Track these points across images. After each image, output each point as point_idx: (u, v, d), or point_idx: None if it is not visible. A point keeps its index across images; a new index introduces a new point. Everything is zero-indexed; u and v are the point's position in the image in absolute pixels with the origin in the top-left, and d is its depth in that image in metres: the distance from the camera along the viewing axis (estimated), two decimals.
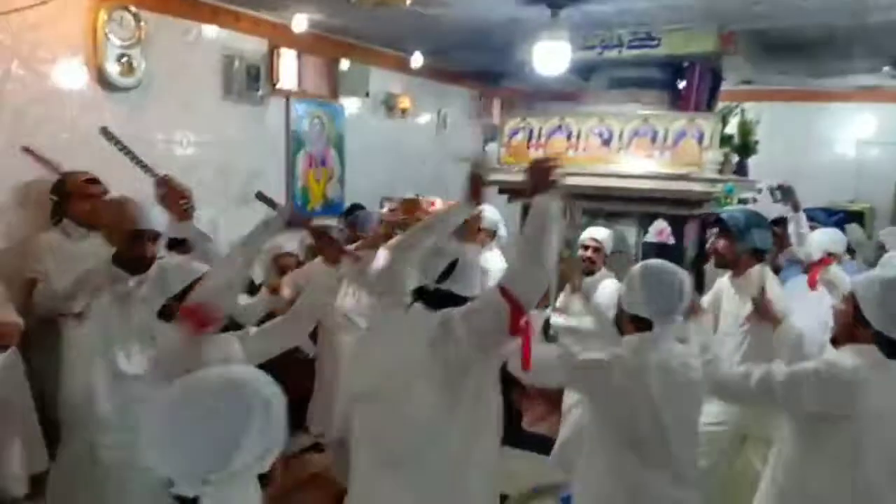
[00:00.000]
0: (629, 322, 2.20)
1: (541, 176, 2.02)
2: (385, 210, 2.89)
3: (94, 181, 3.33)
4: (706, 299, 3.24)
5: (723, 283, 3.25)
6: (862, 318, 2.02)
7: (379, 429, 2.09)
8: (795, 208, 3.69)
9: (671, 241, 4.15)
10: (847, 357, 2.04)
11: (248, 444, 1.09)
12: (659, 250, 3.96)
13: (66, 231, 3.26)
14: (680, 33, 4.31)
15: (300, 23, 4.37)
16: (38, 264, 3.15)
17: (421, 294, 2.12)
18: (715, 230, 3.19)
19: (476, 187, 2.35)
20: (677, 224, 4.19)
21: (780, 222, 3.93)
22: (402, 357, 2.05)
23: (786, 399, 2.08)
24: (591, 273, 3.65)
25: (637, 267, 2.26)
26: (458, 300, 2.06)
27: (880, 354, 2.00)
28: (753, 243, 3.04)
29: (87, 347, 2.66)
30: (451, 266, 2.06)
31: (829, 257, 3.55)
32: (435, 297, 2.08)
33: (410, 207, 2.74)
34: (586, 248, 3.72)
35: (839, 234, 3.81)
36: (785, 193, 3.69)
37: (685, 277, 2.22)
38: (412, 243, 2.30)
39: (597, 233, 3.78)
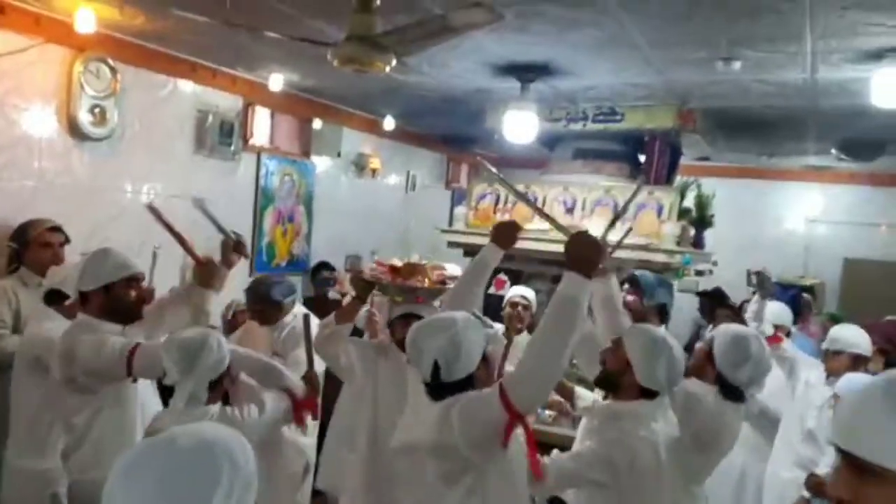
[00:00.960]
0: (635, 389, 2.16)
1: (584, 250, 1.80)
2: (373, 265, 2.73)
3: (57, 229, 3.29)
4: None
5: None
6: (712, 359, 2.35)
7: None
8: (763, 296, 3.78)
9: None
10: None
11: None
12: None
13: (22, 279, 3.18)
14: (642, 109, 4.52)
15: (276, 82, 4.45)
16: None
17: (425, 385, 1.93)
18: (626, 286, 3.25)
19: None
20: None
21: (718, 295, 4.07)
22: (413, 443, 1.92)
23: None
24: (519, 331, 3.68)
25: (650, 337, 2.18)
26: (461, 384, 1.87)
27: (717, 394, 2.29)
28: (659, 300, 3.13)
29: (130, 421, 2.49)
30: (435, 364, 1.85)
31: (778, 333, 3.67)
32: (437, 391, 1.89)
33: (411, 272, 2.55)
34: (515, 305, 3.78)
35: (785, 307, 3.95)
36: (761, 282, 3.79)
37: None
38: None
39: (525, 291, 3.86)
